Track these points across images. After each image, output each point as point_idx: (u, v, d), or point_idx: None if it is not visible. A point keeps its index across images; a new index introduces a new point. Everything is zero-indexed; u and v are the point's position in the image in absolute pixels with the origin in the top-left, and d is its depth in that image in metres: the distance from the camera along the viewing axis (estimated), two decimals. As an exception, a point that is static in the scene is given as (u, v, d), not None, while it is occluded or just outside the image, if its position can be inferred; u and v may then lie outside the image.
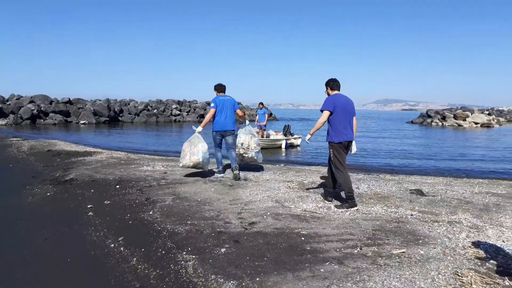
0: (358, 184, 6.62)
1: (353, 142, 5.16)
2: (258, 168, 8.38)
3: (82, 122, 33.17)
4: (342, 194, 5.52)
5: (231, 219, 4.45)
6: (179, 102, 44.74)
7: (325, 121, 4.99)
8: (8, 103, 32.44)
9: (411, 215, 4.72)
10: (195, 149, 6.52)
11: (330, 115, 4.95)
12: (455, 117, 41.07)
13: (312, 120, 57.31)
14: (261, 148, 8.06)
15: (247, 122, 7.60)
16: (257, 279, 2.94)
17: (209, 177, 7.09)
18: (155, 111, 40.42)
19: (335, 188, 5.43)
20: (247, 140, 7.35)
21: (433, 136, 26.69)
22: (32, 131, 23.72)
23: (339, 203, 5.19)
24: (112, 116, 35.81)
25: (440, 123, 41.54)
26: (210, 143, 6.99)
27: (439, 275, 2.98)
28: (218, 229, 4.10)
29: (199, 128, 6.78)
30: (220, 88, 7.09)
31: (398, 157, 14.41)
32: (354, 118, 5.19)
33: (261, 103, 15.79)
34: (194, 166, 6.65)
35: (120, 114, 37.95)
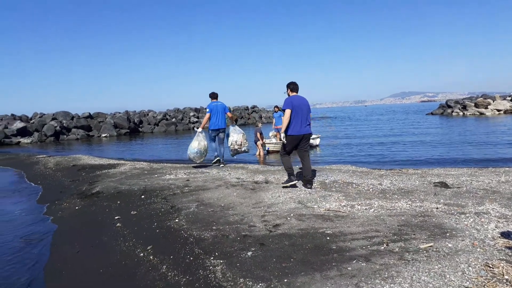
0: (381, 180, 6.57)
1: (314, 135, 6.53)
2: (278, 170, 8.41)
3: (103, 135, 33.85)
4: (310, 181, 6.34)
5: (255, 222, 4.50)
6: (196, 110, 45.18)
7: (289, 118, 5.96)
8: (32, 121, 33.40)
9: (437, 208, 4.66)
10: (199, 145, 8.62)
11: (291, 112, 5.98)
12: (476, 105, 40.11)
13: (329, 118, 56.91)
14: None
15: (234, 123, 9.48)
16: (285, 280, 2.97)
17: (231, 182, 7.17)
18: (173, 120, 40.90)
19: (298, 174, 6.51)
20: (239, 138, 9.04)
21: (454, 126, 26.17)
22: (56, 147, 24.37)
23: (285, 181, 6.35)
24: (132, 128, 36.42)
25: (461, 113, 40.65)
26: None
27: (470, 268, 2.94)
28: (243, 233, 4.14)
29: (200, 129, 8.90)
30: (213, 96, 9.21)
31: (419, 150, 14.20)
32: (310, 114, 6.29)
33: (277, 106, 15.87)
34: (201, 158, 8.84)
35: (140, 125, 38.56)
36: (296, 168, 7.28)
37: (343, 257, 3.32)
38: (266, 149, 14.55)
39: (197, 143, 8.67)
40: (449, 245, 3.43)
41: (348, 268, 3.07)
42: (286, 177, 6.45)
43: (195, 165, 9.61)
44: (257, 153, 13.84)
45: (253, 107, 51.08)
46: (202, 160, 9.03)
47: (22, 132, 30.19)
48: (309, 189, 6.11)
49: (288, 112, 5.94)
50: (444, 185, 5.95)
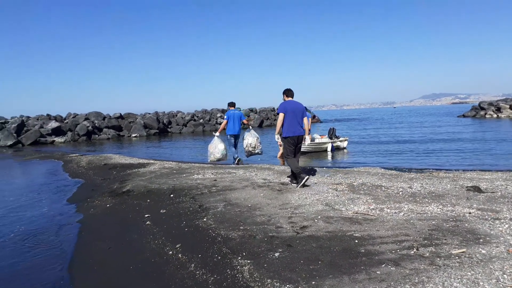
0: (411, 184, 6.44)
1: (306, 137, 6.83)
2: (306, 171, 8.39)
3: (133, 135, 34.63)
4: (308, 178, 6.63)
5: (282, 224, 4.50)
6: (223, 111, 45.52)
7: (282, 121, 6.56)
8: (65, 121, 34.57)
9: (469, 213, 4.53)
10: (216, 149, 9.29)
11: (284, 116, 6.55)
12: (511, 107, 38.60)
13: (356, 120, 56.17)
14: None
15: (250, 127, 10.43)
16: (313, 282, 2.97)
17: (257, 183, 7.20)
18: (201, 120, 41.39)
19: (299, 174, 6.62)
20: (254, 141, 9.88)
21: (488, 129, 25.28)
22: (88, 147, 25.12)
23: (295, 182, 6.78)
24: (161, 128, 37.08)
25: (495, 115, 39.20)
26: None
27: (504, 275, 2.85)
28: (270, 234, 4.16)
29: (217, 133, 9.86)
30: (231, 104, 10.43)
31: (451, 153, 13.81)
32: (305, 118, 6.84)
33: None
34: (218, 160, 9.50)
35: (169, 126, 39.22)
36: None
37: (372, 260, 3.28)
38: None
39: (222, 145, 9.61)
40: (483, 251, 3.33)
41: (377, 272, 3.04)
42: (301, 178, 6.57)
43: (221, 165, 10.21)
44: (279, 155, 13.75)
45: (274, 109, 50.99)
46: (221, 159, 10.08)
47: (57, 132, 31.31)
48: (336, 191, 6.06)
49: (281, 116, 6.58)
50: (477, 189, 5.77)
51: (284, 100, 6.85)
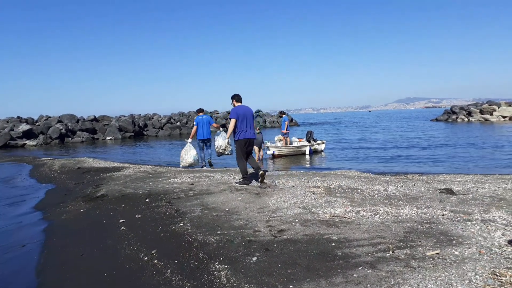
0: (386, 186, 6.54)
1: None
2: (282, 175, 8.40)
3: (108, 138, 33.99)
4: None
5: (260, 228, 4.48)
6: (200, 113, 45.28)
7: (234, 126, 6.90)
8: (37, 124, 33.63)
9: (443, 215, 4.63)
10: (188, 154, 9.68)
11: (236, 121, 6.87)
12: (481, 112, 39.95)
13: (333, 124, 56.90)
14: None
15: (221, 129, 10.12)
16: (290, 286, 2.95)
17: (235, 186, 7.16)
18: (178, 123, 41.04)
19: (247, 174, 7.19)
20: (224, 143, 9.87)
21: (459, 132, 26.05)
22: (61, 150, 24.47)
23: (239, 181, 7.25)
24: (137, 131, 36.56)
25: (466, 119, 40.48)
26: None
27: (477, 276, 2.91)
28: (248, 238, 4.13)
29: (189, 139, 10.20)
30: (200, 110, 11.09)
31: (424, 156, 14.14)
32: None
33: (281, 112, 16.00)
34: (189, 165, 9.83)
35: (145, 129, 38.71)
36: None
37: (349, 263, 3.29)
38: (272, 152, 14.54)
39: (194, 151, 10.04)
40: (456, 252, 3.41)
41: (354, 275, 3.05)
42: (246, 180, 7.21)
43: (198, 168, 10.36)
44: (256, 158, 13.76)
45: (257, 111, 51.12)
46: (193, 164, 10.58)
47: (28, 135, 30.38)
48: (313, 194, 6.10)
49: (233, 121, 6.92)
50: (450, 191, 5.91)
51: (234, 105, 7.19)
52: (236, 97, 7.20)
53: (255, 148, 13.35)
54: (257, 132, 13.32)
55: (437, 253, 3.40)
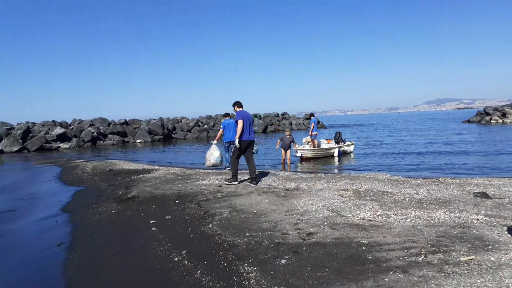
0: (417, 189, 6.40)
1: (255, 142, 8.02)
2: (310, 178, 8.36)
3: (138, 141, 34.74)
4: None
5: (288, 230, 4.48)
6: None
7: (242, 127, 7.50)
8: (71, 127, 34.78)
9: (477, 219, 4.49)
10: (212, 155, 9.75)
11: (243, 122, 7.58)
12: (517, 112, 38.42)
13: (362, 125, 56.08)
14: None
15: (213, 142, 10.72)
16: (320, 289, 2.94)
17: (262, 189, 7.18)
18: (205, 126, 41.49)
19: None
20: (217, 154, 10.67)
21: (493, 134, 25.13)
22: (93, 153, 25.21)
23: (229, 179, 7.94)
24: (166, 134, 37.19)
25: (500, 120, 38.99)
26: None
27: (514, 283, 2.81)
28: (277, 240, 4.14)
29: (215, 141, 10.27)
30: (226, 115, 11.76)
31: (456, 159, 13.72)
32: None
33: (311, 114, 16.00)
34: (213, 165, 9.87)
35: (173, 132, 39.34)
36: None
37: (380, 267, 3.24)
38: (300, 155, 14.45)
39: (218, 152, 10.05)
40: (492, 258, 3.30)
41: (385, 280, 3.00)
42: (234, 178, 7.90)
43: (226, 171, 10.54)
44: (282, 159, 13.69)
45: (284, 114, 51.04)
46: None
47: (62, 138, 31.47)
48: (342, 197, 6.03)
49: (241, 121, 7.52)
50: (484, 195, 5.72)
51: (236, 110, 7.94)
52: (238, 103, 8.07)
53: (282, 150, 13.33)
54: (287, 135, 13.30)
55: (472, 259, 3.30)
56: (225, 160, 11.13)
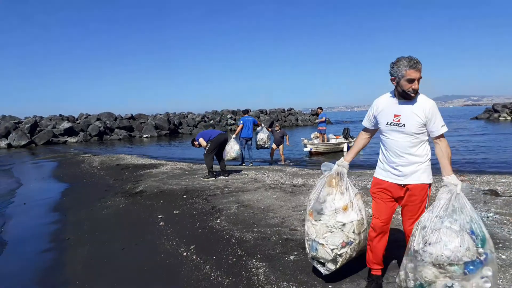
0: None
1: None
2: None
3: (145, 136, 34.88)
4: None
5: (296, 226, 4.48)
6: (233, 112, 45.63)
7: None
8: (78, 122, 34.98)
9: (487, 217, 4.45)
10: (232, 149, 10.19)
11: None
12: (526, 109, 38.03)
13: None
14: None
15: (262, 125, 12.27)
16: (330, 286, 2.94)
17: (269, 184, 7.18)
18: (211, 121, 41.57)
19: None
20: (265, 137, 12.01)
21: (502, 131, 24.91)
22: (100, 147, 25.36)
23: (205, 175, 8.37)
24: (172, 129, 37.31)
25: (509, 118, 38.61)
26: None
27: (526, 282, 2.79)
28: (285, 236, 4.14)
29: (234, 135, 10.81)
30: (246, 111, 12.28)
31: (465, 156, 13.62)
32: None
33: (320, 108, 15.85)
34: (233, 159, 10.39)
35: (180, 127, 39.45)
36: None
37: (392, 265, 3.23)
38: (309, 149, 14.48)
39: (238, 146, 10.59)
40: (503, 256, 3.27)
41: (394, 276, 2.99)
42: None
43: (234, 166, 10.48)
44: (271, 152, 13.44)
45: (290, 109, 50.94)
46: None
47: (69, 132, 31.68)
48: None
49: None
50: (494, 193, 5.67)
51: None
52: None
53: (273, 145, 12.93)
54: (277, 129, 12.96)
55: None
56: (241, 154, 11.45)
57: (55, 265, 4.39)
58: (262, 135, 12.16)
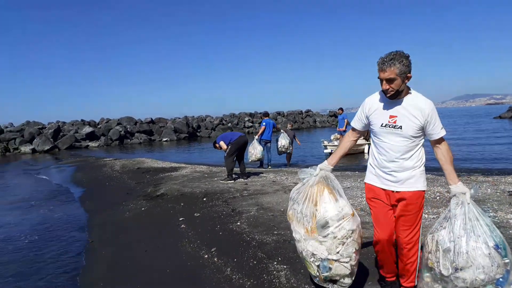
0: (449, 188, 6.24)
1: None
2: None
3: (164, 139, 35.33)
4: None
5: (317, 229, 4.45)
6: (251, 115, 45.77)
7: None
8: (99, 126, 35.70)
9: (513, 219, 4.35)
10: (256, 150, 10.52)
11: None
12: (553, 108, 36.87)
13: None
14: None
15: (282, 131, 12.41)
16: (352, 288, 2.92)
17: (289, 187, 7.17)
18: (229, 124, 41.79)
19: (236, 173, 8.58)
20: (286, 143, 11.97)
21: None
22: (121, 151, 25.81)
23: (224, 178, 8.40)
24: (191, 132, 37.71)
25: (535, 116, 37.55)
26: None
27: (555, 285, 2.71)
28: (305, 239, 4.12)
29: (257, 137, 11.21)
30: (266, 114, 12.49)
31: (489, 156, 13.32)
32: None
33: (341, 109, 15.66)
34: (258, 159, 10.84)
35: (198, 130, 39.83)
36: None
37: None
38: (330, 151, 14.37)
39: (261, 147, 10.88)
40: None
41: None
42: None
43: (253, 169, 10.52)
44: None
45: (307, 111, 50.75)
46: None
47: (91, 136, 32.37)
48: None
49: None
50: (520, 194, 5.53)
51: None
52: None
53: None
54: (290, 127, 13.11)
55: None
56: (265, 157, 11.76)
57: (79, 267, 4.50)
58: (284, 141, 12.16)
